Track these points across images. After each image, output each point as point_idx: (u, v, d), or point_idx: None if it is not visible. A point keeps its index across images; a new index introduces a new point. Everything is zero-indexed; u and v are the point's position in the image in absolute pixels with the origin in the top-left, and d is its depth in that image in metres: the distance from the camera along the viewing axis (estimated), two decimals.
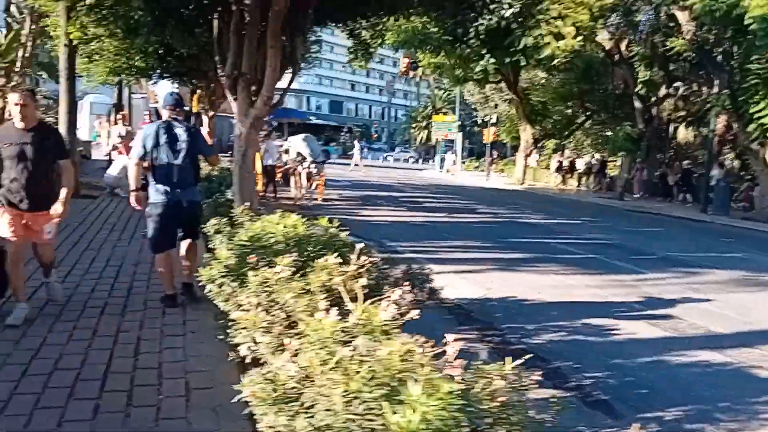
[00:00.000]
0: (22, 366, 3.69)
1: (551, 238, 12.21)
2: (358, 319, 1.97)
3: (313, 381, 1.78)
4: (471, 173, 44.43)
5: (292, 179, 15.04)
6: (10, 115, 4.40)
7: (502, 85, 37.76)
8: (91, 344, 4.14)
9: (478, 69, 23.24)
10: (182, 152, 5.04)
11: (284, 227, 3.44)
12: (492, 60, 23.35)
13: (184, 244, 5.31)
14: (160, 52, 9.87)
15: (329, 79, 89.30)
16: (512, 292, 7.32)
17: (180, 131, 5.09)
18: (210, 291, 3.50)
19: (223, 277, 3.12)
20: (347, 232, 3.87)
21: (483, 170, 41.52)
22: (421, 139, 75.85)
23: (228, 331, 3.07)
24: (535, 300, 6.93)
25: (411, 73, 36.71)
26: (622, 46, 27.15)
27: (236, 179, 7.73)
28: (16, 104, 4.38)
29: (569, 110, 34.85)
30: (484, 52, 24.98)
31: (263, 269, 2.89)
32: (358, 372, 1.71)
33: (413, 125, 77.23)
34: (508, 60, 24.70)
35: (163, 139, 5.01)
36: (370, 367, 1.69)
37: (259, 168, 17.05)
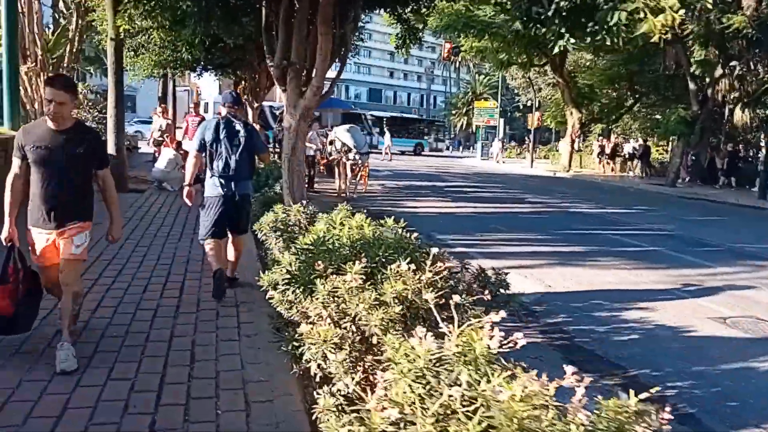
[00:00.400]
0: (74, 376, 3.54)
1: (606, 228, 11.69)
2: (456, 345, 1.69)
3: (413, 424, 1.52)
4: (512, 160, 43.62)
5: (336, 170, 14.84)
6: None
7: (547, 68, 36.99)
8: (144, 350, 3.98)
9: (555, 50, 22.23)
10: (240, 147, 5.19)
11: (349, 229, 3.18)
12: (572, 40, 22.30)
13: (234, 238, 5.46)
14: (206, 43, 9.74)
15: (367, 67, 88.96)
16: (573, 288, 6.95)
17: (238, 127, 5.27)
18: (271, 297, 3.27)
19: (287, 283, 2.88)
20: (415, 233, 3.56)
21: (525, 157, 40.76)
22: (461, 126, 74.94)
23: (292, 343, 2.85)
24: (599, 298, 6.54)
25: (452, 59, 35.95)
26: (675, 24, 26.04)
27: (286, 173, 7.54)
28: (50, 100, 3.55)
29: (616, 93, 33.75)
30: (563, 31, 24.08)
31: (332, 277, 2.64)
32: (469, 416, 1.43)
33: (453, 112, 76.33)
34: (589, 40, 23.73)
35: (222, 134, 5.18)
36: (483, 413, 1.41)
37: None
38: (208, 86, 39.76)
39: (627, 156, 31.64)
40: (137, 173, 13.59)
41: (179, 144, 13.47)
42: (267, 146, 6.99)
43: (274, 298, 3.24)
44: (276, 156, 16.86)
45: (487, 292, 2.73)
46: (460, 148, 65.54)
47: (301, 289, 2.83)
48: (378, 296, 2.46)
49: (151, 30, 10.11)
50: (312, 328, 2.49)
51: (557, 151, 40.56)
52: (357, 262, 2.64)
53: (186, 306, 4.96)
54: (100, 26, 12.08)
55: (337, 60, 7.86)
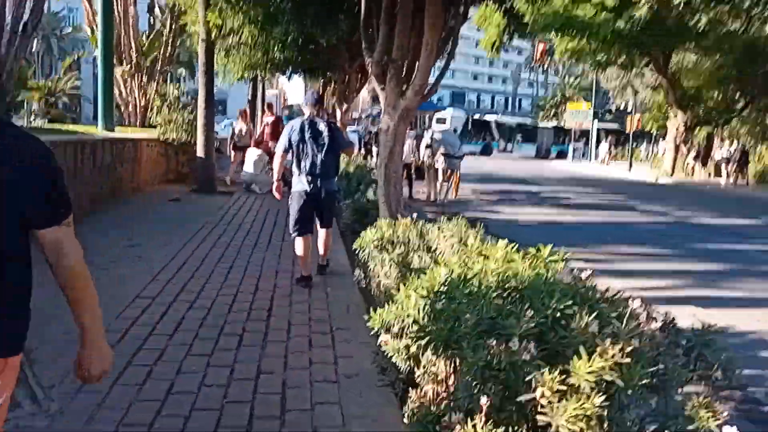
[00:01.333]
0: (151, 411, 2.93)
1: (741, 243, 10.25)
2: None
3: None
4: (605, 164, 41.31)
5: (427, 174, 14.08)
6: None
7: (645, 70, 34.62)
8: (227, 393, 3.33)
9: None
10: (325, 146, 5.40)
11: (495, 263, 2.37)
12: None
13: (321, 233, 5.72)
14: (299, 42, 9.24)
15: (450, 71, 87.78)
16: (728, 320, 5.80)
17: (322, 127, 5.46)
18: (384, 342, 2.51)
19: (415, 339, 2.11)
20: (590, 271, 2.70)
21: (618, 161, 38.54)
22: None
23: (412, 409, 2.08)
24: (765, 333, 5.40)
25: (544, 60, 34.30)
26: None
27: (381, 180, 6.83)
28: None
29: (724, 95, 31.02)
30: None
31: (484, 340, 1.84)
32: None
33: (541, 114, 73.95)
34: None
35: (307, 134, 5.39)
36: None
37: None
38: (295, 90, 40.17)
39: (721, 160, 28.95)
40: (224, 175, 13.35)
41: (258, 143, 13.13)
42: (351, 142, 7.26)
43: (388, 345, 2.48)
44: (362, 159, 16.33)
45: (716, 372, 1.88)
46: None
47: (435, 349, 2.05)
48: (562, 377, 1.64)
49: (242, 29, 9.71)
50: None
51: (655, 154, 38.07)
52: (522, 316, 1.83)
53: (274, 333, 4.31)
54: (192, 28, 11.90)
55: (442, 57, 7.07)
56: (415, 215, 4.47)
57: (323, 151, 5.39)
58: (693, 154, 30.21)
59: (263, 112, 14.80)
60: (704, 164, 29.97)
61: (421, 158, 13.15)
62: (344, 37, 9.71)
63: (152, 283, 5.32)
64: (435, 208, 12.56)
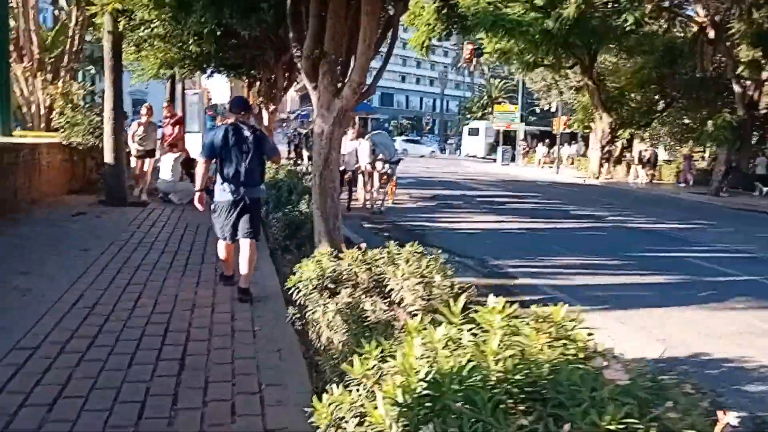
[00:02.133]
0: None
1: (679, 250, 10.05)
2: None
3: None
4: (532, 166, 41.94)
5: (362, 180, 13.32)
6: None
7: (569, 72, 35.23)
8: None
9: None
10: (249, 153, 5.20)
11: (502, 343, 1.60)
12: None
13: (244, 246, 5.28)
14: (216, 34, 8.24)
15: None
16: (690, 341, 5.35)
17: (247, 133, 5.26)
18: None
19: None
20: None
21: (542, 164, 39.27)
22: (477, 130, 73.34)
23: None
24: (737, 358, 4.95)
25: (472, 61, 34.21)
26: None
27: (316, 192, 5.99)
28: None
29: (646, 96, 31.92)
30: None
31: None
32: None
33: (467, 116, 74.80)
34: None
35: (231, 140, 5.17)
36: None
37: None
38: (219, 89, 38.48)
39: (638, 160, 29.86)
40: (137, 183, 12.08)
41: (173, 145, 11.98)
42: (277, 149, 6.32)
43: None
44: (292, 166, 15.39)
45: None
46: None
47: None
48: None
49: (153, 18, 8.62)
50: None
51: (580, 157, 38.89)
52: None
53: (188, 394, 3.41)
54: (99, 20, 10.64)
55: (380, 50, 6.29)
56: (363, 244, 3.66)
57: (248, 159, 5.19)
58: (615, 156, 30.98)
59: (171, 114, 13.46)
60: (619, 164, 30.79)
61: (364, 164, 12.39)
62: (269, 29, 8.78)
63: (37, 326, 4.29)
64: (374, 217, 11.83)
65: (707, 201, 20.81)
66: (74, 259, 6.26)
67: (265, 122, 14.16)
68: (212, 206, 5.39)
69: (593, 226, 12.27)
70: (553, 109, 59.46)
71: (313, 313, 2.85)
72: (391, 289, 2.79)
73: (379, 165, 12.39)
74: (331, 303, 2.73)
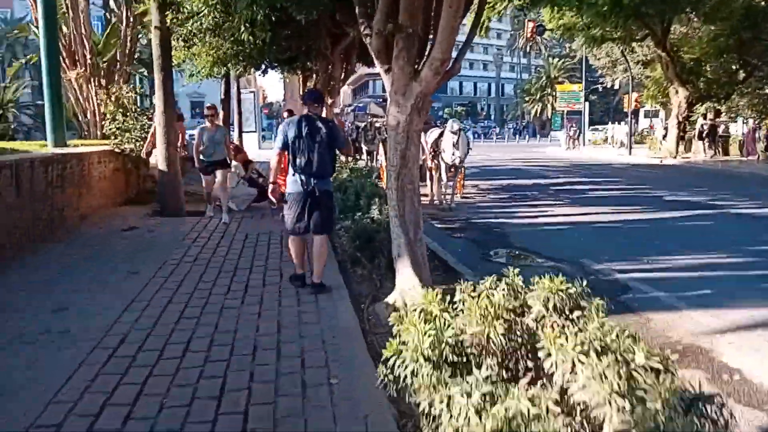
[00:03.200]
0: None
1: None
2: None
3: None
4: (599, 147, 39.78)
5: (429, 175, 12.29)
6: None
7: (635, 45, 32.89)
8: None
9: None
10: (323, 144, 5.16)
11: None
12: None
13: (317, 240, 5.30)
14: (271, 20, 7.37)
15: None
16: None
17: (320, 125, 5.22)
18: None
19: None
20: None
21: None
22: (536, 113, 70.92)
23: None
24: None
25: (534, 39, 32.19)
26: None
27: (393, 196, 5.00)
28: None
29: (725, 67, 29.31)
30: None
31: None
32: None
33: (526, 98, 72.43)
34: None
35: (304, 131, 5.14)
36: None
37: (384, 163, 14.49)
38: (273, 87, 38.17)
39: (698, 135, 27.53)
40: (197, 188, 11.42)
41: (237, 149, 11.23)
42: (348, 141, 6.61)
43: None
44: (354, 162, 14.52)
45: None
46: (537, 136, 61.40)
47: None
48: None
49: (203, 10, 7.83)
50: None
51: (653, 135, 36.44)
52: None
53: None
54: (148, 17, 9.98)
55: (464, 19, 5.20)
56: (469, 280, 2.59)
57: (321, 149, 5.15)
58: (698, 132, 28.74)
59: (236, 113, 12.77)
60: (713, 142, 28.44)
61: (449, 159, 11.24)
62: (325, 9, 7.82)
63: (74, 377, 3.50)
64: (445, 215, 10.78)
65: None
66: (120, 286, 5.50)
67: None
68: (285, 197, 5.36)
69: (695, 214, 10.79)
70: (616, 86, 56.86)
71: (429, 405, 1.85)
72: (553, 373, 1.75)
73: (447, 156, 11.29)
74: (459, 392, 1.73)
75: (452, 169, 11.42)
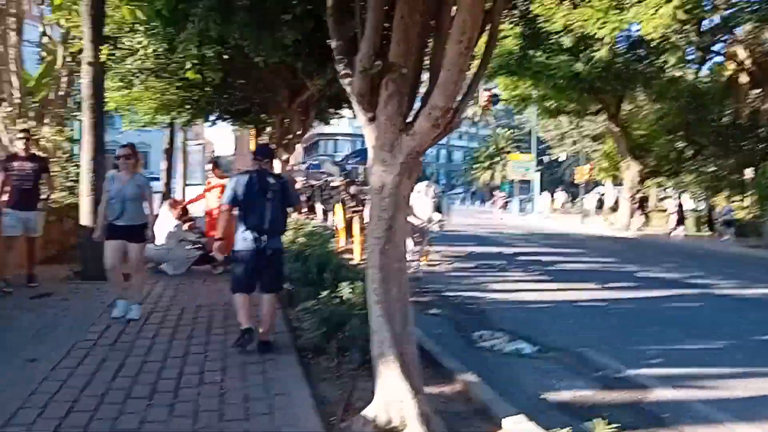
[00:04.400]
0: None
1: None
2: None
3: None
4: (549, 216, 39.93)
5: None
6: None
7: (584, 121, 33.61)
8: None
9: None
10: (274, 201, 5.04)
11: None
12: None
13: (267, 299, 5.12)
14: (224, 57, 6.33)
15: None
16: None
17: (272, 180, 5.14)
18: None
19: None
20: None
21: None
22: (485, 181, 71.89)
23: None
24: None
25: (489, 108, 32.28)
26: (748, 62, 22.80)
27: (375, 278, 3.87)
28: None
29: (673, 144, 29.99)
30: None
31: None
32: None
33: (475, 166, 73.57)
34: None
35: (255, 187, 5.01)
36: None
37: (340, 224, 13.38)
38: (222, 141, 37.05)
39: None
40: None
41: (185, 210, 9.95)
42: (299, 198, 6.60)
43: None
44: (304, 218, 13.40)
45: None
46: (484, 202, 62.00)
47: None
48: None
49: (145, 46, 6.73)
50: None
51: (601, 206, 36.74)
52: None
53: None
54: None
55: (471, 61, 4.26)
56: None
57: (273, 206, 5.04)
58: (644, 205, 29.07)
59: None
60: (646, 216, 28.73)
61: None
62: (286, 56, 6.84)
63: None
64: (412, 285, 9.67)
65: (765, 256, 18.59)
66: (8, 381, 4.11)
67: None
68: (233, 255, 5.12)
69: (679, 294, 10.03)
70: (562, 158, 58.23)
71: None
72: None
73: (415, 219, 10.30)
74: None
75: (418, 232, 10.40)
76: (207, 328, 5.82)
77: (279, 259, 5.24)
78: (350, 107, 14.69)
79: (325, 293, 5.10)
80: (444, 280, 10.53)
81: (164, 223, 8.99)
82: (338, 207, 13.62)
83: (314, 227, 9.56)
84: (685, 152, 29.43)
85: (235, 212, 5.17)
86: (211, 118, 16.00)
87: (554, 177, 68.37)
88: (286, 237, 7.71)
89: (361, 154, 18.45)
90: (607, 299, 9.26)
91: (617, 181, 33.12)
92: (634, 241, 22.74)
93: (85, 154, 7.85)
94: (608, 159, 30.81)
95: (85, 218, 7.95)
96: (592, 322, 7.71)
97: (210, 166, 11.66)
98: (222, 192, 6.64)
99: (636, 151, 27.99)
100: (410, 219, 10.25)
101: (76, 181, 9.05)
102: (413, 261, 10.62)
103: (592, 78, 21.91)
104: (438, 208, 9.75)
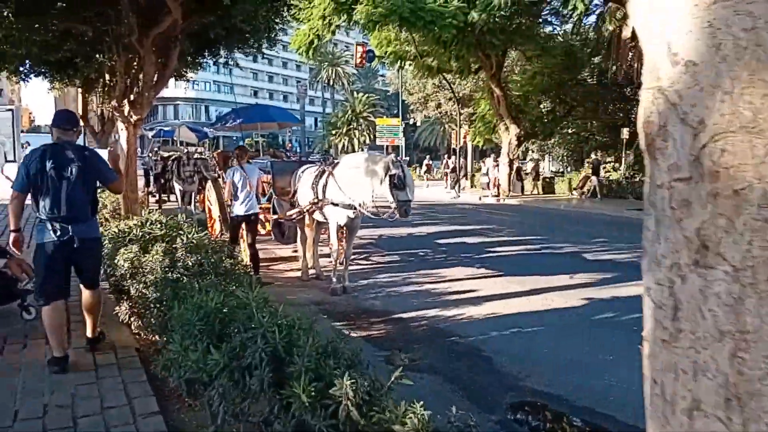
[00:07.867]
0: None
1: None
2: None
3: None
4: (419, 184, 38.51)
5: (300, 235, 8.24)
6: None
7: (446, 82, 32.10)
8: None
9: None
10: (73, 179, 4.11)
11: None
12: None
13: (84, 295, 4.43)
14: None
15: (227, 86, 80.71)
16: None
17: (71, 154, 4.17)
18: None
19: None
20: None
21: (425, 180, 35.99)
22: (343, 147, 69.46)
23: None
24: None
25: (363, 65, 29.32)
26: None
27: None
28: None
29: (548, 105, 29.43)
30: None
31: None
32: None
33: (333, 132, 70.82)
34: None
35: (49, 164, 4.08)
36: None
37: (216, 212, 10.02)
38: (41, 102, 30.73)
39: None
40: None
41: None
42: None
43: None
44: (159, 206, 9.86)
45: None
46: None
47: None
48: None
49: None
50: None
51: (474, 172, 35.78)
52: None
53: None
54: None
55: None
56: None
57: (71, 187, 4.08)
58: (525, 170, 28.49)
59: None
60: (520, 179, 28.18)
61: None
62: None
63: None
64: (339, 303, 6.79)
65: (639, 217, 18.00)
66: None
67: (123, 142, 8.56)
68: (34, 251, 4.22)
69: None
70: (418, 123, 57.32)
71: None
72: None
73: (333, 211, 7.33)
74: None
75: (343, 229, 7.46)
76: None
77: (92, 249, 4.37)
78: (229, 49, 11.08)
79: None
80: (375, 291, 7.71)
81: None
82: (210, 186, 10.15)
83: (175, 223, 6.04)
84: (556, 113, 28.93)
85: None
86: (21, 71, 11.77)
87: (410, 143, 67.63)
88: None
89: (241, 115, 14.76)
90: (579, 309, 6.98)
91: (492, 145, 32.19)
92: (523, 208, 21.45)
93: None
94: (483, 122, 29.45)
95: None
96: (593, 352, 5.37)
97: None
98: None
99: (513, 113, 26.86)
100: (329, 209, 7.35)
101: None
102: (339, 268, 7.65)
103: (483, 29, 19.87)
104: (398, 184, 6.58)
